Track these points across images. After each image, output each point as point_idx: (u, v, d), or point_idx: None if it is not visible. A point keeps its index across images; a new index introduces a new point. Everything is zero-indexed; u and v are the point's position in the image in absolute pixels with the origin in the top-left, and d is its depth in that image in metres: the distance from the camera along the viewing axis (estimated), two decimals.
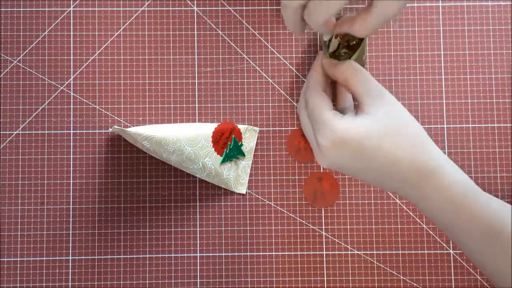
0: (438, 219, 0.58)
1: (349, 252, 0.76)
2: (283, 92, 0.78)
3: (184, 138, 0.73)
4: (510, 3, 0.79)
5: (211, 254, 0.76)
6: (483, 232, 0.56)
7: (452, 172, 0.57)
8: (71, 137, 0.77)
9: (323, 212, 0.76)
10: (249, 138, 0.76)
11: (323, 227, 0.76)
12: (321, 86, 0.61)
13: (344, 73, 0.59)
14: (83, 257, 0.75)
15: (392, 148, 0.55)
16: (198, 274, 0.75)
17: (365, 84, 0.58)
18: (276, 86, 0.78)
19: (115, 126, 0.74)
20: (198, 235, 0.76)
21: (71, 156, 0.76)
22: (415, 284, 0.76)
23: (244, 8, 0.79)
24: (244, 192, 0.76)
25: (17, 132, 0.77)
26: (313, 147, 0.59)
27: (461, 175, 0.58)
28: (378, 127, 0.55)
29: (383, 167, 0.55)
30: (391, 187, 0.58)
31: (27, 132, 0.77)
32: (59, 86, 0.77)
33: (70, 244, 0.75)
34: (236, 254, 0.76)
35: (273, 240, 0.76)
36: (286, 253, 0.76)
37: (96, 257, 0.75)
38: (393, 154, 0.55)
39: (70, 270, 0.75)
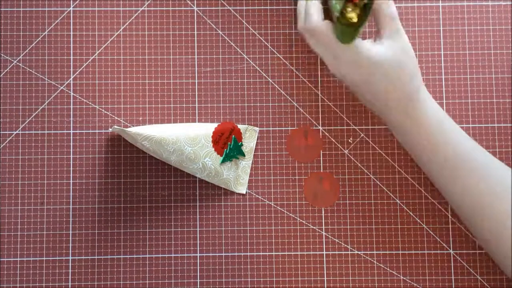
0: (416, 152, 0.71)
1: (349, 252, 0.76)
2: (283, 92, 0.78)
3: (184, 138, 0.73)
4: (510, 3, 0.79)
5: (211, 254, 0.76)
6: (455, 167, 0.69)
7: (432, 108, 0.70)
8: (71, 137, 0.77)
9: (323, 212, 0.76)
10: (249, 138, 0.76)
11: (323, 227, 0.76)
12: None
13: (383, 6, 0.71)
14: (83, 257, 0.75)
15: (399, 70, 0.68)
16: (198, 274, 0.75)
17: (393, 19, 0.70)
18: (276, 86, 0.78)
19: (115, 126, 0.74)
20: (198, 235, 0.76)
21: (71, 156, 0.76)
22: (415, 284, 0.76)
23: (244, 8, 0.79)
24: (244, 192, 0.76)
25: (17, 132, 0.77)
26: (329, 58, 0.70)
27: (440, 114, 0.70)
28: (393, 50, 0.68)
29: (390, 75, 0.68)
30: (381, 105, 0.70)
31: (27, 132, 0.77)
32: (59, 86, 0.77)
33: (70, 244, 0.75)
34: (236, 254, 0.76)
35: (273, 240, 0.76)
36: (286, 253, 0.76)
37: (96, 257, 0.75)
38: (398, 74, 0.68)
39: (70, 270, 0.75)
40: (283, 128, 0.78)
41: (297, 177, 0.77)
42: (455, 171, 0.69)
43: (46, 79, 0.77)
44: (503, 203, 0.67)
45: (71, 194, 0.76)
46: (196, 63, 0.78)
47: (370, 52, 0.68)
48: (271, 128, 0.78)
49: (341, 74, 0.70)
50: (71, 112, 0.77)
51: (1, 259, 0.75)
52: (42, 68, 0.77)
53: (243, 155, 0.76)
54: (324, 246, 0.76)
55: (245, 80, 0.78)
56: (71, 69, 0.77)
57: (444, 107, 0.78)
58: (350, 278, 0.76)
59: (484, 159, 0.69)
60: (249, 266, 0.76)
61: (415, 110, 0.69)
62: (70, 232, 0.75)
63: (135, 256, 0.75)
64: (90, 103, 0.77)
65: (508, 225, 0.66)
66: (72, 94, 0.77)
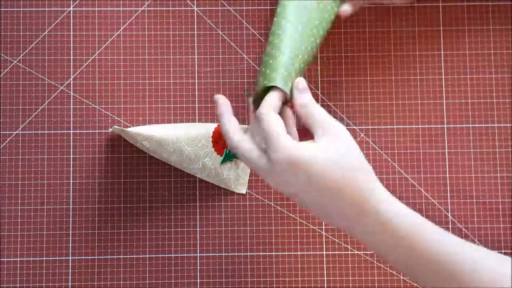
0: (382, 255, 0.60)
1: (349, 252, 0.76)
2: None
3: (184, 138, 0.73)
4: (510, 3, 0.79)
5: (211, 254, 0.76)
6: (434, 271, 0.57)
7: (392, 211, 0.58)
8: (71, 137, 0.77)
9: None
10: None
11: (323, 227, 0.76)
12: (277, 110, 0.62)
13: (305, 105, 0.62)
14: (83, 257, 0.75)
15: (341, 177, 0.57)
16: (198, 274, 0.75)
17: (322, 117, 0.60)
18: None
19: (115, 126, 0.74)
20: (198, 235, 0.76)
21: (71, 156, 0.76)
22: (415, 284, 0.76)
23: (244, 8, 0.79)
24: (244, 192, 0.76)
25: (17, 132, 0.77)
26: (259, 167, 0.60)
27: (403, 213, 0.59)
28: (330, 155, 0.58)
29: (328, 192, 0.57)
30: (336, 219, 0.59)
31: (27, 132, 0.77)
32: (59, 86, 0.77)
33: (70, 244, 0.75)
34: (236, 254, 0.76)
35: (273, 240, 0.76)
36: (286, 253, 0.76)
37: (96, 257, 0.75)
38: (341, 183, 0.57)
39: (70, 270, 0.75)
40: None
41: None
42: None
43: (46, 79, 0.77)
44: None
45: (71, 194, 0.76)
46: (196, 63, 0.78)
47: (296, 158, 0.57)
48: None
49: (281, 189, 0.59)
50: (71, 112, 0.77)
51: (1, 259, 0.75)
52: (42, 68, 0.77)
53: None
54: (324, 246, 0.76)
55: (245, 80, 0.78)
56: (71, 69, 0.77)
57: (444, 107, 0.78)
58: (350, 278, 0.76)
59: (472, 256, 0.57)
60: (249, 266, 0.76)
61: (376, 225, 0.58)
62: (70, 232, 0.75)
63: (135, 256, 0.75)
64: (90, 103, 0.77)
65: None
66: (72, 94, 0.77)
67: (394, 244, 0.58)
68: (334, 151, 0.58)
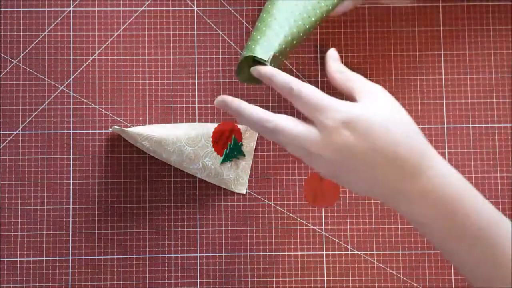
0: (425, 225, 0.57)
1: (349, 252, 0.76)
2: None
3: (184, 138, 0.73)
4: (510, 3, 0.79)
5: (211, 254, 0.76)
6: (472, 240, 0.55)
7: (447, 170, 0.56)
8: (71, 137, 0.77)
9: (323, 212, 0.76)
10: (249, 138, 0.76)
11: (323, 227, 0.76)
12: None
13: (342, 71, 0.60)
14: (83, 257, 0.75)
15: (396, 133, 0.55)
16: (198, 274, 0.75)
17: (363, 80, 0.59)
18: None
19: (115, 126, 0.74)
20: (198, 235, 0.76)
21: (71, 156, 0.76)
22: (415, 284, 0.76)
23: (244, 8, 0.79)
24: (244, 192, 0.76)
25: (17, 132, 0.77)
26: (310, 141, 0.56)
27: (455, 173, 0.57)
28: (384, 112, 0.55)
29: (386, 151, 0.54)
30: (383, 183, 0.56)
31: (27, 132, 0.77)
32: (59, 86, 0.77)
33: (70, 244, 0.75)
34: (236, 254, 0.76)
35: (273, 240, 0.76)
36: (286, 253, 0.76)
37: (96, 257, 0.75)
38: (397, 138, 0.55)
39: (70, 270, 0.75)
40: None
41: (297, 177, 0.77)
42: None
43: (46, 79, 0.77)
44: None
45: (71, 194, 0.76)
46: (196, 63, 0.78)
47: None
48: None
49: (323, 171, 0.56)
50: (71, 112, 0.77)
51: (1, 259, 0.75)
52: (42, 68, 0.77)
53: (243, 155, 0.76)
54: (324, 246, 0.76)
55: None
56: (71, 69, 0.77)
57: (444, 107, 0.78)
58: (350, 278, 0.76)
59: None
60: (249, 266, 0.76)
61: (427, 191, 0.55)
62: (70, 232, 0.75)
63: (135, 256, 0.75)
64: (90, 103, 0.77)
65: None
66: (72, 94, 0.77)
67: (434, 212, 0.55)
68: (388, 109, 0.55)
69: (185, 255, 0.76)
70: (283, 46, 0.65)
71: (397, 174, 0.55)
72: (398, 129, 0.55)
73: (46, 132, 0.77)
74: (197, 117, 0.77)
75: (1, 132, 0.76)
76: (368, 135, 0.54)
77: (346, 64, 0.78)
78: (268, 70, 0.60)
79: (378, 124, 0.55)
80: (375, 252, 0.76)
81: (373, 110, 0.55)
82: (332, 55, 0.61)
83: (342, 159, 0.55)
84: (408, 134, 0.55)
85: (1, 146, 0.76)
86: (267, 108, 0.78)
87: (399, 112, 0.56)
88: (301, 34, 0.66)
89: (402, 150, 0.55)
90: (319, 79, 0.78)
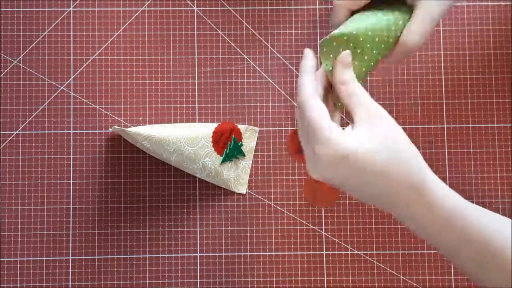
0: (431, 238, 0.58)
1: (349, 252, 0.76)
2: (283, 92, 0.78)
3: (184, 138, 0.73)
4: (510, 3, 0.79)
5: (211, 254, 0.76)
6: (477, 252, 0.57)
7: (443, 190, 0.57)
8: (71, 137, 0.77)
9: (323, 212, 0.77)
10: (249, 138, 0.76)
11: (323, 227, 0.76)
12: (320, 95, 0.59)
13: (346, 82, 0.59)
14: (83, 257, 0.75)
15: (389, 165, 0.56)
16: (198, 274, 0.75)
17: (364, 99, 0.58)
18: (276, 86, 0.78)
19: (115, 126, 0.74)
20: (198, 235, 0.76)
21: (71, 156, 0.76)
22: (415, 284, 0.76)
23: (244, 8, 0.79)
24: (244, 192, 0.76)
25: (17, 132, 0.77)
26: (308, 155, 0.58)
27: (452, 193, 0.58)
28: (377, 145, 0.56)
29: (379, 182, 0.56)
30: (384, 204, 0.58)
31: (27, 132, 0.77)
32: (59, 86, 0.77)
33: (70, 244, 0.75)
34: (236, 254, 0.76)
35: (273, 240, 0.76)
36: (286, 253, 0.76)
37: (96, 257, 0.75)
38: (390, 170, 0.56)
39: (70, 270, 0.75)
40: (283, 128, 0.78)
41: (297, 177, 0.77)
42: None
43: (46, 79, 0.77)
44: None
45: (71, 194, 0.76)
46: (196, 63, 0.78)
47: (343, 147, 0.55)
48: (271, 128, 0.78)
49: (324, 178, 0.58)
50: (71, 112, 0.77)
51: (1, 259, 0.75)
52: (42, 68, 0.77)
53: (243, 155, 0.76)
54: (324, 246, 0.76)
55: (245, 80, 0.78)
56: (71, 69, 0.78)
57: (444, 107, 0.78)
58: (350, 278, 0.76)
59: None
60: (249, 266, 0.76)
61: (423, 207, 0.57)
62: (70, 232, 0.76)
63: (135, 256, 0.75)
64: (90, 103, 0.77)
65: None
66: (72, 94, 0.77)
67: (439, 224, 0.56)
68: (379, 137, 0.56)
69: (185, 255, 0.76)
70: (355, 32, 0.60)
71: (392, 202, 0.57)
72: (387, 157, 0.55)
73: (46, 132, 0.77)
74: (197, 117, 0.77)
75: (1, 132, 0.76)
76: (356, 167, 0.55)
77: None
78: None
79: (365, 158, 0.55)
80: (375, 252, 0.76)
81: (364, 140, 0.56)
82: (343, 58, 0.59)
83: (330, 182, 0.58)
84: (398, 161, 0.56)
85: (1, 146, 0.76)
86: (268, 113, 0.78)
87: (393, 139, 0.56)
88: (374, 58, 0.62)
89: (393, 185, 0.56)
90: None
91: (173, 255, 0.76)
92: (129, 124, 0.77)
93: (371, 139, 0.56)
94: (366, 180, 0.56)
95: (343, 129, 0.57)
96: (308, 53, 0.60)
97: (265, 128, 0.78)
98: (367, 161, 0.55)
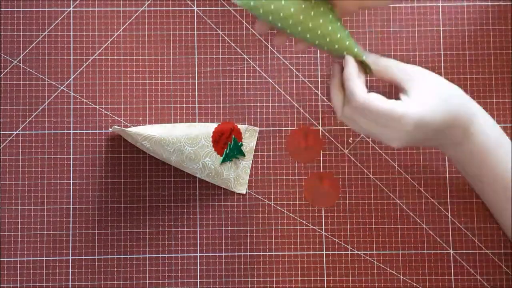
0: (467, 166, 0.68)
1: (349, 252, 0.76)
2: (283, 92, 0.78)
3: (184, 138, 0.73)
4: (510, 3, 0.79)
5: (211, 254, 0.76)
6: (505, 188, 0.67)
7: (489, 125, 0.67)
8: (71, 137, 0.77)
9: (323, 212, 0.77)
10: (249, 138, 0.76)
11: (323, 227, 0.76)
12: (361, 78, 0.65)
13: (386, 69, 0.66)
14: (83, 257, 0.75)
15: (446, 116, 0.64)
16: (198, 274, 0.75)
17: (407, 68, 0.65)
18: (276, 86, 0.78)
19: (115, 126, 0.74)
20: (198, 235, 0.76)
21: (71, 156, 0.76)
22: (415, 284, 0.76)
23: (244, 8, 0.79)
24: (244, 192, 0.76)
25: (17, 132, 0.77)
26: (385, 138, 0.64)
27: (497, 130, 0.67)
28: (434, 101, 0.63)
29: (440, 134, 0.65)
30: (432, 146, 0.68)
31: (27, 132, 0.77)
32: (59, 86, 0.77)
33: (70, 244, 0.75)
34: (236, 254, 0.76)
35: (273, 240, 0.76)
36: (286, 253, 0.76)
37: (96, 257, 0.75)
38: (447, 121, 0.64)
39: (70, 270, 0.75)
40: (283, 128, 0.78)
41: (297, 177, 0.77)
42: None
43: (46, 79, 0.77)
44: None
45: (71, 194, 0.76)
46: (196, 63, 0.78)
47: (408, 114, 0.62)
48: (271, 128, 0.78)
49: (400, 142, 0.64)
50: (71, 112, 0.77)
51: (1, 259, 0.75)
52: (42, 68, 0.77)
53: (243, 155, 0.76)
54: (324, 246, 0.76)
55: (245, 80, 0.78)
56: (71, 69, 0.78)
57: None
58: (350, 278, 0.76)
59: None
60: (249, 266, 0.76)
61: (470, 143, 0.67)
62: (70, 232, 0.76)
63: (135, 256, 0.75)
64: (90, 103, 0.77)
65: None
66: (72, 94, 0.77)
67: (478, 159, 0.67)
68: (432, 100, 0.63)
69: (185, 255, 0.76)
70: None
71: (443, 144, 0.68)
72: (445, 117, 0.64)
73: (46, 132, 0.77)
74: (197, 117, 0.77)
75: (1, 132, 0.76)
76: (425, 129, 0.63)
77: None
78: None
79: (428, 115, 0.63)
80: (375, 252, 0.76)
81: (421, 106, 0.63)
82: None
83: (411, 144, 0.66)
84: (455, 118, 0.65)
85: (1, 146, 0.76)
86: (268, 113, 0.78)
87: (443, 98, 0.64)
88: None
89: (450, 132, 0.65)
90: (319, 79, 0.78)
91: (173, 255, 0.76)
92: (129, 124, 0.77)
93: (426, 99, 0.63)
94: (430, 135, 0.64)
95: (400, 99, 0.64)
96: (349, 59, 0.65)
97: (265, 128, 0.78)
98: (428, 120, 0.63)
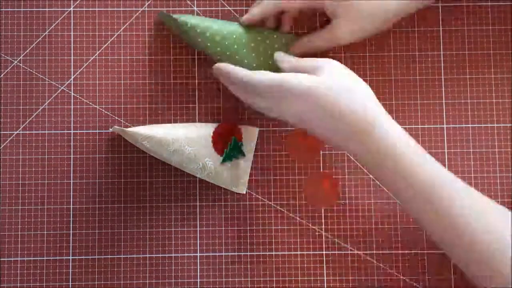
0: (377, 174, 0.65)
1: (349, 252, 0.76)
2: None
3: (184, 138, 0.73)
4: (510, 3, 0.79)
5: (211, 254, 0.76)
6: (417, 192, 0.63)
7: (392, 128, 0.64)
8: (71, 137, 0.77)
9: (323, 212, 0.77)
10: (249, 138, 0.76)
11: (323, 227, 0.76)
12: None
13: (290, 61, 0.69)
14: (83, 257, 0.75)
15: (347, 102, 0.63)
16: (198, 274, 0.75)
17: (316, 60, 0.67)
18: None
19: (115, 126, 0.74)
20: (198, 235, 0.76)
21: (71, 156, 0.76)
22: (415, 284, 0.76)
23: (244, 8, 0.79)
24: (244, 192, 0.76)
25: (17, 132, 0.77)
26: (269, 101, 0.65)
27: (400, 131, 0.64)
28: (336, 83, 0.64)
29: (339, 117, 0.63)
30: (340, 139, 0.65)
31: (27, 132, 0.77)
32: (59, 86, 0.77)
33: (70, 244, 0.75)
34: (236, 254, 0.76)
35: (273, 240, 0.76)
36: (286, 253, 0.76)
37: (96, 257, 0.75)
38: (347, 107, 0.63)
39: (70, 270, 0.75)
40: (283, 128, 0.78)
41: (297, 177, 0.77)
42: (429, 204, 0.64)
43: (47, 79, 0.77)
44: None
45: (71, 194, 0.76)
46: (196, 63, 0.78)
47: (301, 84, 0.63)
48: (271, 128, 0.78)
49: (281, 114, 0.66)
50: (71, 112, 0.77)
51: (1, 259, 0.75)
52: (43, 68, 0.77)
53: (243, 155, 0.76)
54: (324, 246, 0.76)
55: None
56: (71, 69, 0.78)
57: (444, 107, 0.78)
58: (350, 278, 0.76)
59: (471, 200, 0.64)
60: (249, 266, 0.76)
61: (374, 143, 0.64)
62: (70, 232, 0.76)
63: (135, 256, 0.76)
64: (90, 103, 0.77)
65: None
66: (72, 94, 0.77)
67: (380, 159, 0.64)
68: (330, 76, 0.64)
69: (185, 255, 0.76)
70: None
71: (346, 129, 0.64)
72: (340, 100, 0.63)
73: (46, 132, 0.77)
74: (197, 117, 0.77)
75: (1, 132, 0.77)
76: (324, 106, 0.63)
77: (346, 64, 0.79)
78: (224, 66, 0.69)
79: (332, 98, 0.63)
80: (375, 252, 0.76)
81: (329, 81, 0.64)
82: (279, 56, 0.71)
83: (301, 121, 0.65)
84: (361, 104, 0.64)
85: (1, 146, 0.76)
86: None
87: (339, 79, 0.64)
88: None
89: (347, 120, 0.63)
90: None
91: (173, 255, 0.76)
92: (129, 124, 0.77)
93: (324, 78, 0.64)
94: (322, 114, 0.63)
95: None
96: (219, 66, 0.69)
97: (265, 128, 0.78)
98: (321, 96, 0.63)
